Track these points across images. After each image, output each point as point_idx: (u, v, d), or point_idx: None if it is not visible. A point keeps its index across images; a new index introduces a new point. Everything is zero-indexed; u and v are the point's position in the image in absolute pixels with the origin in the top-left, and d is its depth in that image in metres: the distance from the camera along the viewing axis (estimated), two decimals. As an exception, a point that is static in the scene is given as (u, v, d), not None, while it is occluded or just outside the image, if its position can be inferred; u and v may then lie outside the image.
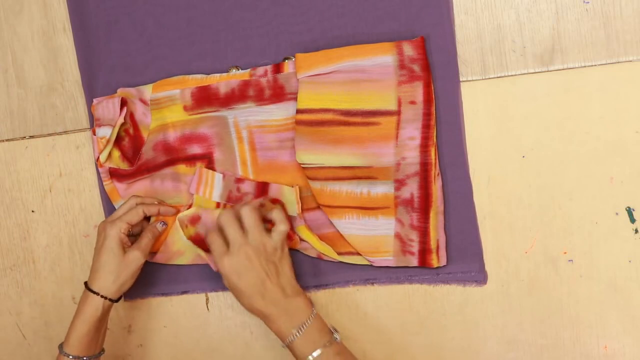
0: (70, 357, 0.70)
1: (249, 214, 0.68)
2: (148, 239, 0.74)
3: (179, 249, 0.78)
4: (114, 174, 0.78)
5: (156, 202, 0.76)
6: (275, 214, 0.70)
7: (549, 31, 0.69)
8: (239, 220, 0.69)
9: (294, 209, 0.74)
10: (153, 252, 0.77)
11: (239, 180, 0.75)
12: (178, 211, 0.76)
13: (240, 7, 0.75)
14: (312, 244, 0.74)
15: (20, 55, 0.81)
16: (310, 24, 0.74)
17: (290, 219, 0.72)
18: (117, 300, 0.73)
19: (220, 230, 0.69)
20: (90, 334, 0.71)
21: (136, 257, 0.72)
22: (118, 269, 0.71)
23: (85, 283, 0.72)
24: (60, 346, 0.71)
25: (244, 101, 0.74)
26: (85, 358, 0.71)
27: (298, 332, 0.66)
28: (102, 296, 0.71)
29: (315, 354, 0.65)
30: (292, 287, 0.69)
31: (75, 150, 0.81)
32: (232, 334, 0.79)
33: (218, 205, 0.75)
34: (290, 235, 0.73)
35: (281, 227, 0.69)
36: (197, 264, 0.78)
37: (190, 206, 0.76)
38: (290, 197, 0.74)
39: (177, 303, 0.80)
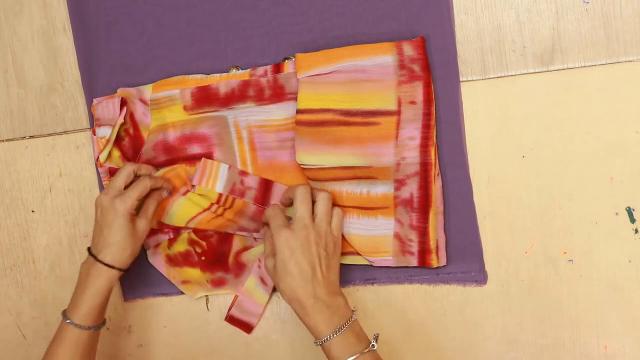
0: (83, 327, 0.70)
1: (324, 201, 0.69)
2: (153, 206, 0.74)
3: (185, 278, 0.79)
4: (114, 174, 0.78)
5: (152, 171, 0.75)
6: (336, 210, 0.71)
7: (549, 31, 0.69)
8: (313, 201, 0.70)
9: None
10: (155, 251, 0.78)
11: (244, 173, 0.75)
12: (174, 188, 0.76)
13: (240, 7, 0.75)
14: None
15: (20, 55, 0.81)
16: (310, 24, 0.74)
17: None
18: (126, 270, 0.73)
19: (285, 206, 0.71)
20: (102, 305, 0.71)
21: (144, 227, 0.72)
22: (131, 242, 0.71)
23: (94, 256, 0.71)
24: (65, 315, 0.71)
25: (244, 101, 0.74)
26: (93, 328, 0.71)
27: (335, 333, 0.64)
28: (117, 268, 0.71)
29: (351, 359, 0.64)
30: (337, 285, 0.68)
31: (75, 150, 0.81)
32: (232, 334, 0.79)
33: (220, 196, 0.75)
34: None
35: (337, 217, 0.70)
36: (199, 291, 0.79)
37: (187, 191, 0.76)
38: None
39: (177, 303, 0.80)
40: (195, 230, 0.77)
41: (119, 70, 0.78)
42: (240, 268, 0.77)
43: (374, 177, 0.72)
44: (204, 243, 0.77)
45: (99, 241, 0.71)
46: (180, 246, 0.78)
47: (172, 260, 0.78)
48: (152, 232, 0.77)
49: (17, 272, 0.84)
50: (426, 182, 0.70)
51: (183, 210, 0.76)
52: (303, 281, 0.66)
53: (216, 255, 0.77)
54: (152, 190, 0.74)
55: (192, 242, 0.77)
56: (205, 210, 0.75)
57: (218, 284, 0.78)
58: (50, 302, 0.83)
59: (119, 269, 0.71)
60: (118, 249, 0.70)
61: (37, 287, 0.84)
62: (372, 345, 0.65)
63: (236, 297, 0.78)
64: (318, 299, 0.65)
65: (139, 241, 0.72)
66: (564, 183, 0.70)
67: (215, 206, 0.75)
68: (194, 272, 0.78)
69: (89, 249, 0.73)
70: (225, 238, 0.77)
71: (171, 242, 0.78)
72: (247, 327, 0.78)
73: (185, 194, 0.76)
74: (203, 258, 0.77)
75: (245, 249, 0.77)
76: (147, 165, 0.75)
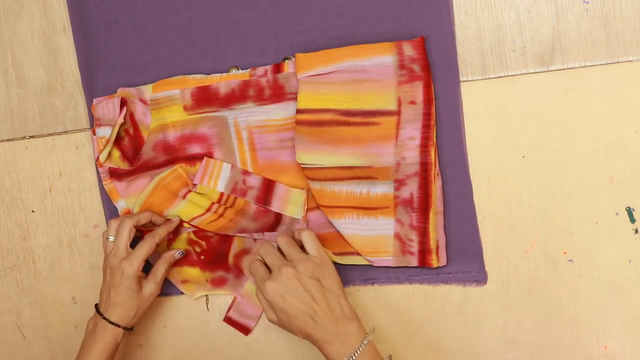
0: None
1: (284, 240, 0.69)
2: (164, 268, 0.75)
3: (185, 278, 0.79)
4: (114, 174, 0.78)
5: (149, 214, 0.75)
6: (304, 234, 0.70)
7: (549, 31, 0.69)
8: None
9: (299, 211, 0.73)
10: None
11: (246, 172, 0.75)
12: (181, 224, 0.77)
13: (240, 7, 0.75)
14: None
15: (20, 55, 0.81)
16: (310, 24, 0.74)
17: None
18: (133, 329, 0.74)
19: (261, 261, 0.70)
20: None
21: (153, 291, 0.74)
22: (138, 304, 0.73)
23: (100, 313, 0.72)
24: None
25: (244, 101, 0.74)
26: None
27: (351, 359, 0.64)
28: (123, 327, 0.72)
29: None
30: (343, 307, 0.67)
31: (75, 150, 0.81)
32: (232, 334, 0.79)
33: (221, 195, 0.75)
34: None
35: (312, 245, 0.69)
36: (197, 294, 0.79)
37: (187, 192, 0.76)
38: (298, 199, 0.74)
39: (177, 303, 0.80)
40: (195, 231, 0.77)
41: (119, 70, 0.78)
42: (241, 270, 0.77)
43: (374, 177, 0.72)
44: (203, 243, 0.77)
45: (107, 300, 0.73)
46: (179, 245, 0.78)
47: None
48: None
49: (17, 272, 0.84)
50: (426, 182, 0.70)
51: (183, 212, 0.76)
52: (306, 318, 0.66)
53: (216, 255, 0.77)
54: (162, 249, 0.76)
55: (191, 242, 0.77)
56: (206, 211, 0.75)
57: (218, 283, 0.78)
58: (50, 302, 0.83)
59: (125, 328, 0.73)
60: (124, 309, 0.72)
61: (37, 287, 0.84)
62: None
63: (235, 298, 0.78)
64: (326, 329, 0.65)
65: (145, 303, 0.74)
66: (564, 183, 0.70)
67: (215, 205, 0.75)
68: (193, 271, 0.78)
69: (96, 306, 0.74)
70: (225, 239, 0.77)
71: (170, 242, 0.78)
72: (245, 330, 0.78)
73: (185, 196, 0.76)
74: (202, 257, 0.77)
75: (244, 251, 0.77)
76: (145, 213, 0.75)
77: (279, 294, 0.66)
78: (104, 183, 0.78)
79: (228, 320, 0.78)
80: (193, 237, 0.77)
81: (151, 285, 0.74)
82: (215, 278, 0.78)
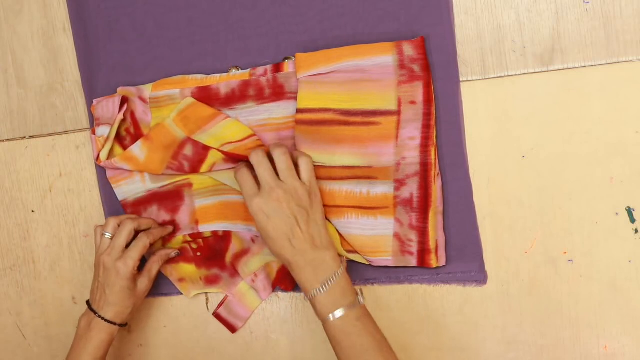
0: None
1: (281, 157, 0.68)
2: (158, 266, 0.75)
3: (181, 276, 0.79)
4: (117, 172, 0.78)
5: (151, 221, 0.76)
6: (301, 159, 0.69)
7: (549, 31, 0.69)
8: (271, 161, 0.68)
9: None
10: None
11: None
12: (177, 228, 0.77)
13: (240, 7, 0.75)
14: None
15: (20, 55, 0.81)
16: (310, 24, 0.74)
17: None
18: (127, 324, 0.75)
19: (251, 169, 0.69)
20: (103, 357, 0.73)
21: (147, 287, 0.74)
22: (132, 302, 0.73)
23: (95, 311, 0.72)
24: None
25: (244, 101, 0.74)
26: None
27: (322, 288, 0.64)
28: (119, 324, 0.73)
29: (336, 313, 0.64)
30: (322, 238, 0.67)
31: (75, 150, 0.81)
32: (232, 334, 0.79)
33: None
34: None
35: (306, 171, 0.68)
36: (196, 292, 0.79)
37: (225, 118, 0.75)
38: None
39: (177, 303, 0.80)
40: (191, 234, 0.77)
41: (119, 70, 0.78)
42: (236, 269, 0.77)
43: (374, 177, 0.72)
44: (200, 241, 0.77)
45: (101, 299, 0.72)
46: (175, 246, 0.78)
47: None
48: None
49: (17, 272, 0.84)
50: (426, 182, 0.70)
51: (224, 130, 0.74)
52: (284, 242, 0.66)
53: (213, 252, 0.77)
54: (157, 248, 0.76)
55: (186, 242, 0.77)
56: (244, 139, 0.73)
57: (212, 281, 0.78)
58: (50, 302, 0.83)
59: (120, 325, 0.73)
60: (120, 308, 0.72)
61: (37, 287, 0.84)
62: (359, 300, 0.66)
63: (227, 296, 0.78)
64: (302, 256, 0.65)
65: (140, 299, 0.74)
66: (564, 183, 0.70)
67: (254, 137, 0.73)
68: (189, 268, 0.78)
69: (88, 302, 0.74)
70: (222, 238, 0.77)
71: (165, 242, 0.78)
72: (232, 328, 0.78)
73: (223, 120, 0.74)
74: (198, 254, 0.77)
75: (243, 252, 0.77)
76: (148, 220, 0.76)
77: (264, 212, 0.66)
78: (108, 177, 0.78)
79: (217, 316, 0.78)
80: (189, 238, 0.77)
81: (145, 281, 0.74)
82: (210, 276, 0.78)
